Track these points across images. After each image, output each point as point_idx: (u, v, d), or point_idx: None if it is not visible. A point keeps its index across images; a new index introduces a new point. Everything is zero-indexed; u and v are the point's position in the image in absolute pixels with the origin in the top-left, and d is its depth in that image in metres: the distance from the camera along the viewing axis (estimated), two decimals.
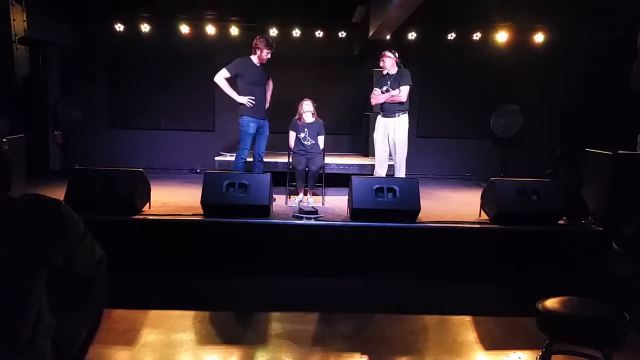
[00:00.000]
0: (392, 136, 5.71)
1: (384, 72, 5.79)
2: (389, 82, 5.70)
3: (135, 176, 5.04)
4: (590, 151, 5.24)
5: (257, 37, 5.73)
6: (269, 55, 5.70)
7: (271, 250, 4.70)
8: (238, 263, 4.62)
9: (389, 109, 5.73)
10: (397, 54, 5.70)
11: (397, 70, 5.71)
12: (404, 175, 5.71)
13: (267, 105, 5.92)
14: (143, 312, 3.77)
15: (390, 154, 5.83)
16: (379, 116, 5.89)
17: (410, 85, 5.64)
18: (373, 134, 5.96)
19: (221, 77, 5.65)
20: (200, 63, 8.32)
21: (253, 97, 5.65)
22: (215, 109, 8.51)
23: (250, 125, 5.70)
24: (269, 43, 5.66)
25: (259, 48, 5.65)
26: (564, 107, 8.18)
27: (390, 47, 5.95)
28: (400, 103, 5.64)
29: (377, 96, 5.77)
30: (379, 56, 5.80)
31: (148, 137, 8.54)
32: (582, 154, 5.35)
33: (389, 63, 5.68)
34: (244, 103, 5.65)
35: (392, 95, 5.64)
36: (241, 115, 5.73)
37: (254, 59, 5.71)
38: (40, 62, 7.96)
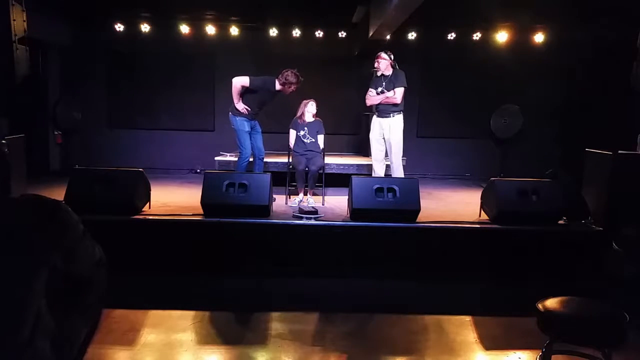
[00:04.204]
0: (387, 136, 5.74)
1: (379, 74, 5.80)
2: (384, 84, 5.73)
3: (135, 176, 5.04)
4: (590, 151, 5.23)
5: (290, 71, 5.67)
6: (294, 90, 5.77)
7: (271, 250, 4.70)
8: (238, 263, 4.62)
9: (383, 110, 5.76)
10: (392, 56, 5.72)
11: (393, 72, 5.72)
12: (401, 175, 5.72)
13: None
14: (143, 312, 3.77)
15: (386, 153, 5.85)
16: (374, 116, 5.93)
17: (404, 87, 5.65)
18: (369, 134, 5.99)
19: (240, 83, 5.68)
20: (200, 63, 8.34)
21: (250, 109, 5.73)
22: (215, 109, 8.51)
23: (245, 124, 5.79)
24: (300, 80, 5.70)
25: (289, 83, 5.66)
26: (564, 107, 8.18)
27: (388, 47, 5.95)
28: (395, 104, 5.65)
29: (372, 97, 5.81)
30: (373, 57, 5.81)
31: (148, 137, 8.54)
32: (582, 154, 5.35)
33: (384, 65, 5.70)
34: (240, 111, 5.72)
35: (387, 97, 5.66)
36: (233, 115, 5.79)
37: (278, 86, 5.74)
38: (40, 62, 7.96)
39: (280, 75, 5.69)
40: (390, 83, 5.67)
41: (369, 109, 7.54)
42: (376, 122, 5.85)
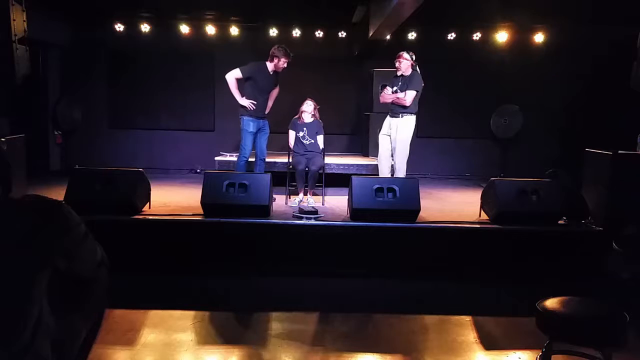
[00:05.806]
0: (394, 136, 5.73)
1: (398, 73, 5.78)
2: (399, 84, 5.72)
3: (135, 176, 5.04)
4: (590, 151, 5.23)
5: (276, 46, 5.72)
6: (286, 65, 5.71)
7: (271, 250, 4.70)
8: (238, 263, 4.62)
9: (394, 109, 5.76)
10: (414, 57, 5.69)
11: (410, 73, 5.70)
12: (403, 176, 5.71)
13: (267, 110, 5.95)
14: (143, 312, 3.76)
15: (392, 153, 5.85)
16: (388, 115, 5.92)
17: (416, 91, 5.62)
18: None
19: (233, 77, 5.67)
20: (200, 63, 8.34)
21: (255, 102, 5.69)
22: (215, 109, 8.51)
23: (250, 124, 5.74)
24: (287, 52, 5.66)
25: (276, 56, 5.64)
26: (564, 107, 8.18)
27: (388, 47, 5.94)
28: (404, 107, 5.64)
29: (385, 95, 5.81)
30: (394, 56, 5.76)
31: (148, 137, 8.54)
32: (582, 154, 5.35)
33: (405, 65, 5.68)
34: (245, 106, 5.67)
35: (398, 98, 5.65)
36: (241, 116, 5.77)
37: (269, 66, 5.72)
38: (40, 62, 7.96)
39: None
40: (404, 85, 5.66)
41: (370, 109, 7.57)
42: (387, 121, 5.86)
